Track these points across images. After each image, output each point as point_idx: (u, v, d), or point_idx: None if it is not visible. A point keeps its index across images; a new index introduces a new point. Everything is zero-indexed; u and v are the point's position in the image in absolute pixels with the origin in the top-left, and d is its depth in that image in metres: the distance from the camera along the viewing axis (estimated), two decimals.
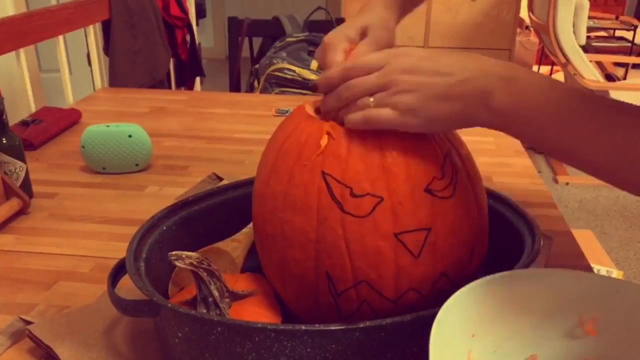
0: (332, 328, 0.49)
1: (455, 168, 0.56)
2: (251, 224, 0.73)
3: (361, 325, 0.50)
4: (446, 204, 0.54)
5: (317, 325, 0.50)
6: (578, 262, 0.80)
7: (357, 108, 0.54)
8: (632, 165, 0.45)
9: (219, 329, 0.51)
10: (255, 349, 0.51)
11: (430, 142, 0.55)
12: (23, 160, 0.97)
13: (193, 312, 0.53)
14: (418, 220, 0.53)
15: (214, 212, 0.74)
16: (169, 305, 0.53)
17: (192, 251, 0.65)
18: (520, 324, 0.53)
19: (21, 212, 0.94)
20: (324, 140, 0.55)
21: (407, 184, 0.53)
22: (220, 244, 0.72)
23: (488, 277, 0.51)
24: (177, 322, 0.54)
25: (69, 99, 1.75)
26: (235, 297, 0.61)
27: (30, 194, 0.99)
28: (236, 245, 0.72)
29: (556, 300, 0.52)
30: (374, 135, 0.54)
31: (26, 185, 0.98)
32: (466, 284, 0.50)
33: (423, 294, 0.54)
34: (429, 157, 0.54)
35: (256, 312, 0.60)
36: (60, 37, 1.69)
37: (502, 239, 0.65)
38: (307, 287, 0.56)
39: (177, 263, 0.57)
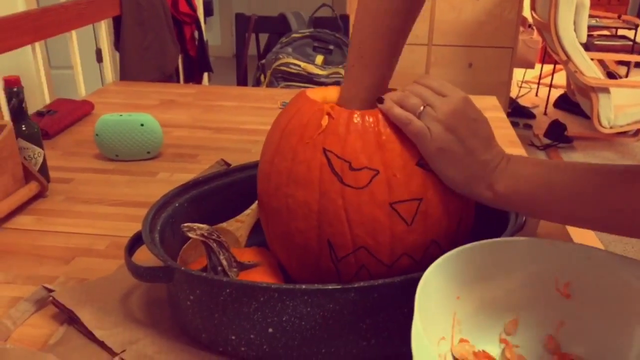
0: (330, 287, 0.55)
1: None
2: (253, 205, 0.78)
3: (356, 285, 0.55)
4: (436, 176, 0.59)
5: (316, 285, 0.55)
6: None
7: (405, 106, 0.59)
8: (618, 214, 0.52)
9: (227, 290, 0.56)
10: (261, 309, 0.56)
11: None
12: (41, 146, 1.03)
13: (204, 274, 0.58)
14: (411, 191, 0.58)
15: (222, 192, 0.79)
16: (183, 268, 0.58)
17: None
18: (502, 289, 0.58)
19: (39, 195, 1.00)
20: (325, 120, 0.60)
21: (400, 159, 0.58)
22: (225, 224, 0.77)
23: (472, 244, 0.56)
24: (189, 286, 0.59)
25: (81, 94, 1.81)
26: (243, 267, 0.66)
27: (48, 179, 1.04)
28: (239, 225, 0.77)
29: (535, 266, 0.57)
30: (371, 115, 0.59)
31: (44, 170, 1.03)
32: None
33: (416, 259, 0.60)
34: None
35: (262, 280, 0.65)
36: (73, 33, 1.74)
37: (489, 216, 0.70)
38: (310, 255, 0.61)
39: (189, 234, 0.62)
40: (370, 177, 0.57)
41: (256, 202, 0.77)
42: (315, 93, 0.68)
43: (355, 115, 0.59)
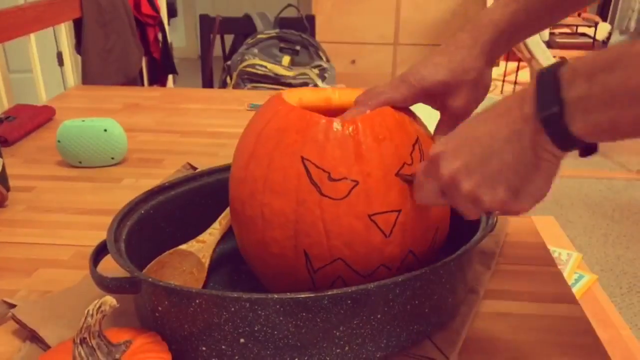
0: (302, 296, 0.53)
1: (422, 156, 0.60)
2: (215, 224, 0.75)
3: (329, 293, 0.53)
4: None
5: (288, 293, 0.53)
6: (533, 239, 0.86)
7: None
8: None
9: (197, 300, 0.54)
10: (232, 319, 0.54)
11: (400, 132, 0.59)
12: None
13: (173, 284, 0.57)
14: (389, 203, 0.57)
15: (189, 197, 0.77)
16: (150, 279, 0.56)
17: (171, 234, 0.68)
18: None
19: None
20: (304, 127, 0.58)
21: (380, 169, 0.57)
22: (185, 246, 0.73)
23: None
24: (157, 297, 0.57)
25: (42, 98, 1.76)
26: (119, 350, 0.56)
27: (7, 188, 1.01)
28: (201, 245, 0.74)
29: None
30: (350, 124, 0.58)
31: (3, 178, 1.00)
32: (430, 259, 0.54)
33: (392, 269, 0.59)
34: (400, 145, 0.59)
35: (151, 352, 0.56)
36: (32, 36, 1.69)
37: (460, 217, 0.70)
38: (286, 266, 0.59)
39: None
40: (349, 188, 0.56)
41: (218, 220, 0.75)
42: (291, 95, 0.66)
43: (335, 124, 0.58)
